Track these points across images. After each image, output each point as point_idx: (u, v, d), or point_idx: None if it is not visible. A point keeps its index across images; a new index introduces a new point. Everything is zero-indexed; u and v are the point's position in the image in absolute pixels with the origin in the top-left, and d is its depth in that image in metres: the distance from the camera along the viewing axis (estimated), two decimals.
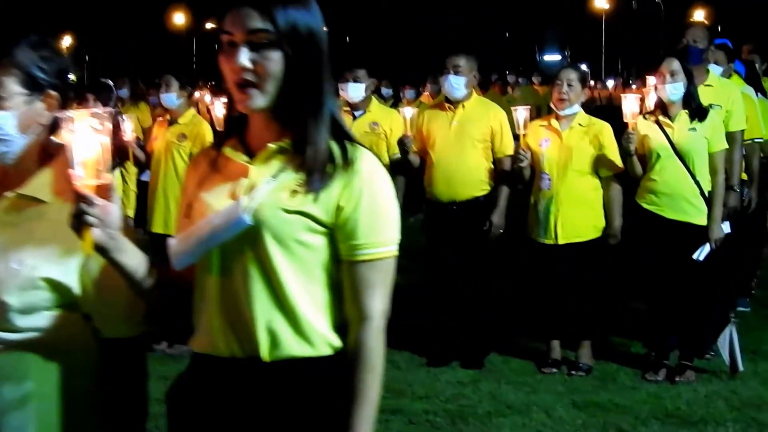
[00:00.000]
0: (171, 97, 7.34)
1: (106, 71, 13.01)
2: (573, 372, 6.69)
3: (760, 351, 7.12)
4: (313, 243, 2.35)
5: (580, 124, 6.63)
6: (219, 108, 7.08)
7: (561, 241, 6.59)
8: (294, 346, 2.35)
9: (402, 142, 6.80)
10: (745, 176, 7.54)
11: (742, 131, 7.06)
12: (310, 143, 2.34)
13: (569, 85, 6.61)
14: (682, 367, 6.49)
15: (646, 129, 6.46)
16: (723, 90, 7.03)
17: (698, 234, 6.36)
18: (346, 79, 7.14)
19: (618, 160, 6.50)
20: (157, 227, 7.29)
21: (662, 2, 32.49)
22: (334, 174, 2.34)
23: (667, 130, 6.37)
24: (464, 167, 6.82)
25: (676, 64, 6.33)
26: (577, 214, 6.58)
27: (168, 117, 7.45)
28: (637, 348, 7.09)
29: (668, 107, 6.40)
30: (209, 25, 41.68)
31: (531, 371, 6.82)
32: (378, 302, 2.39)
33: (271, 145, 2.37)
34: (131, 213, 7.41)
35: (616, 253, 6.70)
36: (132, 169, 7.46)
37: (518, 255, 6.82)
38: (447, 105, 7.00)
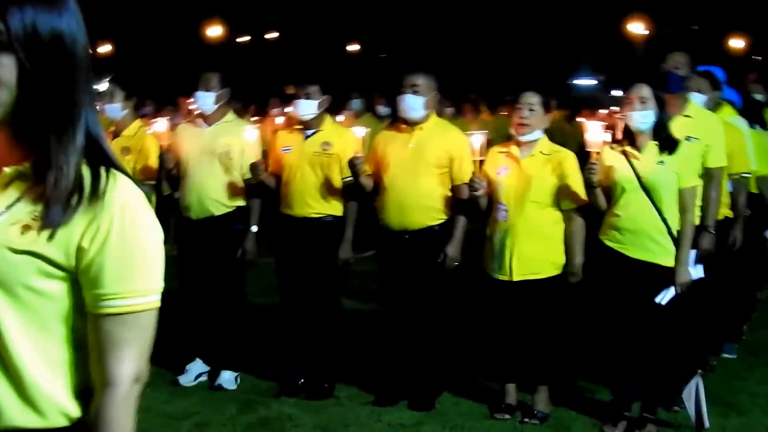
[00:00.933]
0: (115, 108, 6.94)
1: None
2: (526, 420, 6.19)
3: (735, 404, 6.58)
4: (49, 290, 1.96)
5: (541, 152, 6.14)
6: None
7: (516, 277, 6.10)
8: (18, 416, 1.97)
9: (352, 164, 6.34)
10: (731, 213, 7.03)
11: (721, 168, 6.54)
12: (52, 167, 1.94)
13: (530, 110, 6.13)
14: (643, 420, 5.97)
15: (611, 159, 5.96)
16: (703, 121, 6.51)
17: (663, 276, 5.83)
18: (297, 96, 6.69)
19: (581, 192, 5.99)
20: None
21: (698, 29, 31.90)
22: (78, 207, 1.93)
23: (634, 161, 5.87)
24: (418, 193, 6.36)
25: (646, 91, 5.83)
26: (535, 248, 6.09)
27: (113, 129, 7.05)
28: (603, 394, 6.56)
29: (636, 137, 5.90)
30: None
31: (482, 416, 6.33)
32: (127, 365, 2.00)
33: (7, 169, 1.98)
34: None
35: (578, 292, 6.18)
36: None
37: (475, 290, 6.32)
38: (404, 126, 6.54)
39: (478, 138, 5.99)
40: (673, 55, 6.65)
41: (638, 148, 5.89)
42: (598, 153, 5.80)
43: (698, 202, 6.11)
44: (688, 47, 6.78)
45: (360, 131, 6.37)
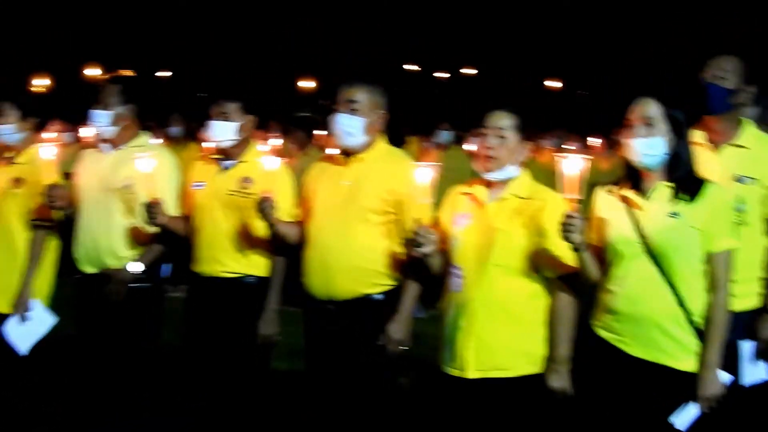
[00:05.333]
0: (7, 130, 5.48)
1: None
2: None
3: None
4: None
5: (516, 195, 4.29)
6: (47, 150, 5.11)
7: (472, 374, 4.25)
8: None
9: (261, 208, 4.64)
10: None
11: None
12: None
13: (500, 137, 4.29)
14: None
15: (606, 209, 4.09)
16: (764, 154, 4.51)
17: (680, 385, 3.92)
18: (211, 116, 5.06)
19: (568, 255, 4.08)
20: None
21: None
22: None
23: (636, 212, 3.97)
24: (350, 249, 4.62)
25: (653, 109, 3.95)
26: (500, 333, 4.22)
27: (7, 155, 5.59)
28: None
29: (641, 176, 4.00)
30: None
31: None
32: None
33: None
34: None
35: (562, 396, 4.27)
36: None
37: (427, 386, 4.54)
38: (339, 157, 4.81)
39: (425, 172, 4.19)
40: (717, 60, 4.57)
41: (643, 193, 3.99)
42: (578, 200, 3.89)
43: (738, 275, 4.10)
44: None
45: (271, 162, 4.64)
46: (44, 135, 5.47)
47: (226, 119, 5.04)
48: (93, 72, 35.23)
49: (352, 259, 4.63)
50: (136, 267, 5.15)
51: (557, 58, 41.08)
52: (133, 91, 5.29)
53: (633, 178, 4.03)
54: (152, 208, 4.87)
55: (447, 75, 45.52)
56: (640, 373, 3.96)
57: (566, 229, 3.84)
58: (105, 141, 5.32)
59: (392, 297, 4.66)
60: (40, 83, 33.91)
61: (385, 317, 4.62)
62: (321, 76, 38.76)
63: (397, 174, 4.61)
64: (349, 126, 4.66)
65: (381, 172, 4.67)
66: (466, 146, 12.08)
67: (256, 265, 5.03)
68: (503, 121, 4.29)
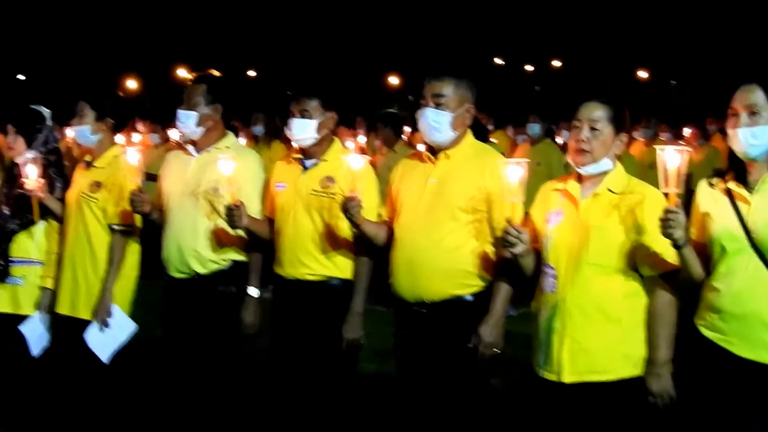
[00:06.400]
0: (84, 131, 5.43)
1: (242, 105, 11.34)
2: None
3: None
4: None
5: (610, 190, 4.09)
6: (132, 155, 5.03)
7: (568, 379, 4.06)
8: None
9: (345, 207, 4.50)
10: None
11: None
12: None
13: (592, 129, 4.09)
14: None
15: (709, 203, 3.87)
16: None
17: None
18: (292, 114, 4.94)
19: (669, 252, 3.87)
20: (63, 307, 5.41)
21: None
22: None
23: (741, 206, 3.74)
24: (438, 249, 4.47)
25: (759, 96, 3.71)
26: (596, 335, 4.03)
27: (88, 158, 5.55)
28: None
29: (747, 168, 3.78)
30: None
31: None
32: None
33: None
34: (50, 284, 5.53)
35: (663, 400, 4.05)
36: (55, 226, 5.57)
37: (520, 388, 4.38)
38: (426, 154, 4.66)
39: (516, 169, 4.01)
40: None
41: (749, 185, 3.76)
42: (676, 195, 3.67)
43: None
44: None
45: (356, 161, 4.49)
46: (129, 138, 5.37)
47: (306, 117, 4.92)
48: (182, 73, 35.64)
49: (441, 260, 4.48)
50: (254, 292, 5.08)
51: (645, 48, 40.42)
52: (218, 91, 5.19)
53: (737, 169, 3.81)
54: (234, 211, 4.76)
55: (532, 68, 45.20)
56: (748, 374, 3.73)
57: (667, 225, 3.63)
58: (191, 143, 5.24)
59: (482, 298, 4.49)
60: (130, 85, 34.43)
61: (475, 319, 4.46)
62: (409, 71, 38.68)
63: (486, 170, 4.45)
64: (436, 121, 4.50)
65: (469, 169, 4.51)
66: (557, 139, 11.86)
67: (341, 267, 4.90)
68: (597, 113, 4.09)
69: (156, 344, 5.27)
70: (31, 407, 5.44)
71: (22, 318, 5.51)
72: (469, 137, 4.63)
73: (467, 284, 4.51)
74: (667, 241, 3.72)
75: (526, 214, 4.28)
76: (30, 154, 5.46)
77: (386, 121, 10.64)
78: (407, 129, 11.22)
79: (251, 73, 42.39)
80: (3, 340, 5.53)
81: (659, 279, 3.99)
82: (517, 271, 4.29)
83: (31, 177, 5.32)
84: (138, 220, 5.30)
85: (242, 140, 9.75)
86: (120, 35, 43.19)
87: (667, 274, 3.96)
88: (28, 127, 5.57)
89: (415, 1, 42.67)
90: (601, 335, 4.03)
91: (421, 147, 4.87)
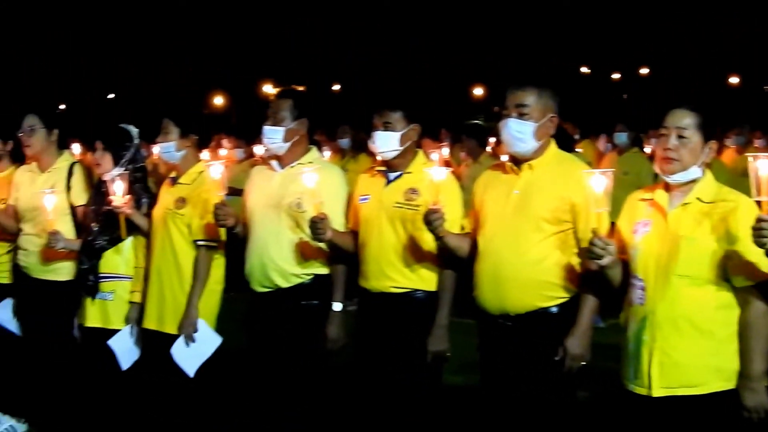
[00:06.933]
0: (168, 148, 5.49)
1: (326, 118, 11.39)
2: None
3: None
4: None
5: (699, 199, 3.99)
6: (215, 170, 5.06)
7: (657, 392, 3.97)
8: None
9: (428, 219, 4.47)
10: None
11: None
12: None
13: (680, 137, 4.00)
14: None
15: None
16: None
17: None
18: (375, 126, 4.93)
19: (763, 262, 3.76)
20: (150, 322, 5.46)
21: None
22: None
23: None
24: (523, 261, 4.41)
25: None
26: (687, 348, 3.93)
27: (173, 174, 5.60)
28: None
29: None
30: None
31: None
32: None
33: None
34: (138, 299, 5.60)
35: (758, 415, 3.94)
36: (141, 241, 5.64)
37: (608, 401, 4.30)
38: (509, 165, 4.60)
39: (602, 178, 3.95)
40: None
41: None
42: None
43: None
44: None
45: (438, 173, 4.45)
46: (215, 154, 5.41)
47: (389, 129, 4.90)
48: (268, 89, 36.03)
49: (526, 272, 4.42)
50: (338, 307, 5.09)
51: (735, 53, 39.69)
52: (304, 106, 5.21)
53: None
54: (319, 223, 4.76)
55: (619, 76, 44.71)
56: None
57: (760, 234, 3.54)
58: (275, 158, 5.26)
59: (568, 309, 4.42)
60: (217, 101, 34.93)
61: (561, 331, 4.39)
62: (494, 82, 38.59)
63: (571, 181, 4.37)
64: (519, 132, 4.45)
65: (554, 179, 4.45)
66: (645, 148, 11.65)
67: (426, 279, 4.87)
68: (685, 120, 4.00)
69: (241, 357, 5.30)
70: (120, 421, 5.50)
71: (111, 332, 5.58)
72: (553, 147, 4.57)
73: (552, 296, 4.44)
74: (761, 251, 3.63)
75: (613, 225, 4.20)
76: (117, 171, 5.53)
77: (471, 132, 10.59)
78: (492, 140, 11.14)
79: (336, 87, 42.68)
80: (93, 354, 5.61)
81: (753, 289, 3.88)
82: (604, 282, 4.21)
83: (119, 194, 5.39)
84: (222, 234, 5.33)
85: (326, 153, 9.77)
86: (208, 52, 43.84)
87: (761, 284, 3.85)
88: (116, 145, 5.65)
89: (500, 12, 42.57)
90: (692, 348, 3.94)
91: (504, 158, 4.81)
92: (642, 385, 4.01)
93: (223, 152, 11.14)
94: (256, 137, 11.71)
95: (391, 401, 4.89)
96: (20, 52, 42.24)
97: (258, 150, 11.14)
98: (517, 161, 4.56)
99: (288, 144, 5.15)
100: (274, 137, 5.15)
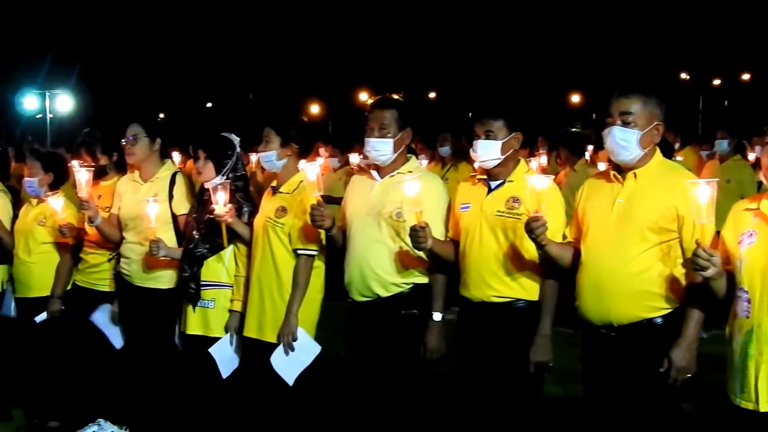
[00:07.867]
0: (269, 157, 5.54)
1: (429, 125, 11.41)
2: None
3: None
4: None
5: None
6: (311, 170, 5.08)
7: (765, 407, 3.86)
8: None
9: (530, 228, 4.43)
10: None
11: None
12: None
13: None
14: None
15: None
16: None
17: None
18: (476, 135, 4.91)
19: None
20: (250, 330, 5.51)
21: None
22: None
23: None
24: (627, 271, 4.34)
25: None
26: None
27: (274, 183, 5.65)
28: None
29: None
30: None
31: None
32: None
33: None
34: (239, 307, 5.66)
35: None
36: (242, 250, 5.70)
37: (714, 414, 4.20)
38: (613, 173, 4.54)
39: (706, 188, 3.87)
40: None
41: None
42: None
43: None
44: None
45: (542, 180, 4.41)
46: (311, 161, 5.43)
47: (490, 137, 4.88)
48: (363, 97, 36.21)
49: (630, 282, 4.35)
50: (438, 316, 5.09)
51: None
52: (408, 115, 5.21)
53: None
54: (419, 232, 4.76)
55: (720, 82, 43.88)
56: None
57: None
58: (374, 167, 5.27)
59: (673, 320, 4.34)
60: (314, 109, 35.21)
61: (666, 342, 4.32)
62: (591, 89, 38.22)
63: (677, 189, 4.29)
64: (624, 140, 4.39)
65: (659, 188, 4.37)
66: (748, 155, 11.42)
67: (527, 288, 4.83)
68: None
69: (341, 366, 5.31)
70: (220, 428, 5.56)
71: (212, 340, 5.65)
72: (658, 156, 4.50)
73: (656, 307, 4.37)
74: None
75: (718, 234, 4.12)
76: (219, 180, 5.59)
77: (566, 140, 10.49)
78: (590, 148, 11.02)
79: (432, 94, 42.69)
80: (194, 361, 5.68)
81: None
82: (708, 293, 4.13)
83: (220, 202, 5.44)
84: (322, 240, 5.35)
85: (423, 162, 9.76)
86: (304, 60, 44.22)
87: None
88: (218, 154, 5.72)
89: (598, 19, 42.17)
90: None
91: (602, 166, 4.75)
92: (749, 399, 3.91)
93: (320, 161, 11.24)
94: (351, 145, 11.78)
95: (491, 411, 4.86)
96: (117, 61, 43.16)
97: (354, 159, 11.20)
98: (621, 169, 4.50)
99: (394, 155, 5.15)
100: (382, 149, 5.15)
